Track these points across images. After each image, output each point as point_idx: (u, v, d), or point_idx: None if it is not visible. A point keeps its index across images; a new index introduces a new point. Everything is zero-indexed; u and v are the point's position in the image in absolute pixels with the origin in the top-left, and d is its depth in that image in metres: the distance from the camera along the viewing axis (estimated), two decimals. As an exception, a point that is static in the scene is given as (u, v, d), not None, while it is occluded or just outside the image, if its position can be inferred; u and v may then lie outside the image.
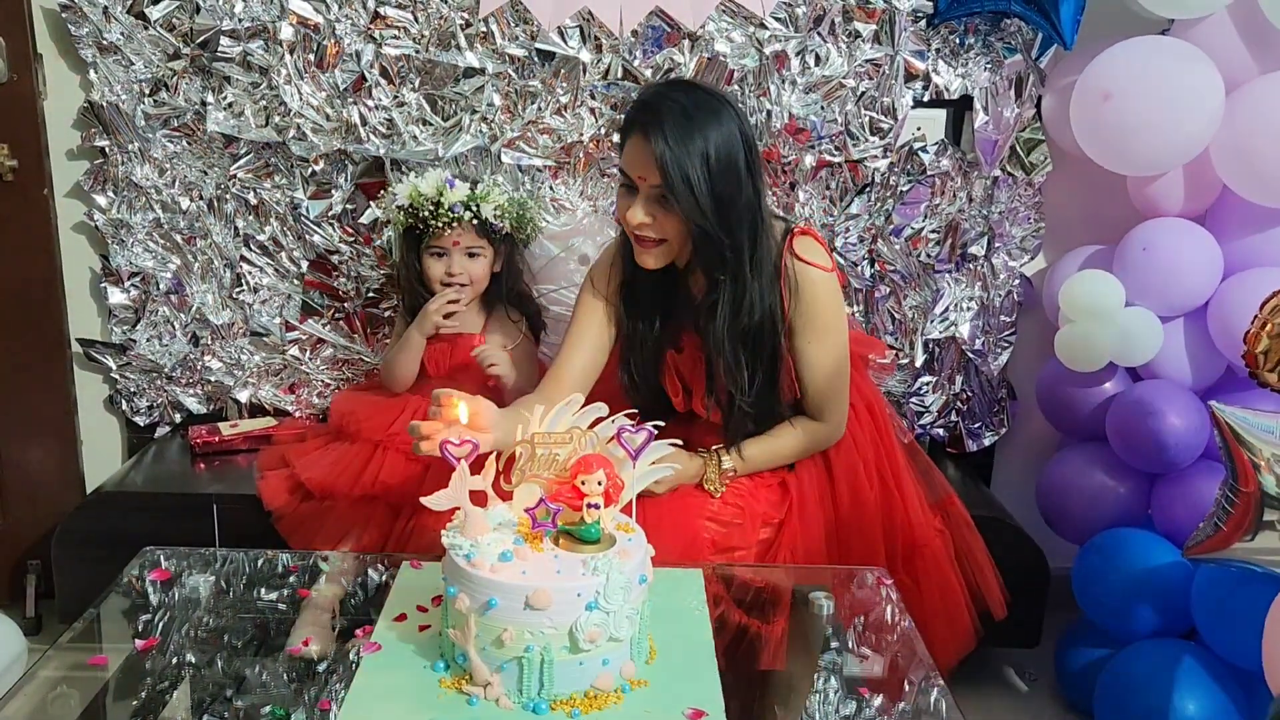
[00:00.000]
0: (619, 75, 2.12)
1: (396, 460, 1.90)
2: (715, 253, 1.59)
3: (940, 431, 2.37)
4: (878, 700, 1.29)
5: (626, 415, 1.31)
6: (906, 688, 1.31)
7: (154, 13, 2.09)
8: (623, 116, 1.71)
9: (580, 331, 1.77)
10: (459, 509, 1.26)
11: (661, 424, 1.33)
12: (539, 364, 2.08)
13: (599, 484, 1.23)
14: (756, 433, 1.76)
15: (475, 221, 1.96)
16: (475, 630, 1.18)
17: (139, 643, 1.32)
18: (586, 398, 1.34)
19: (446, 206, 1.93)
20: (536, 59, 2.11)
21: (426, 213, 1.94)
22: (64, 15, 2.10)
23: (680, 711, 1.18)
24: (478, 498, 1.27)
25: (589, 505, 1.23)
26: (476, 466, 1.27)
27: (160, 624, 1.37)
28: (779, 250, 1.66)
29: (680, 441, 1.38)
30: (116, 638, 1.37)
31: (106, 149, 2.18)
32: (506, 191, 2.09)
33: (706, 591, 1.46)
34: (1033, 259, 2.28)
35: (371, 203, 2.21)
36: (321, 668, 1.28)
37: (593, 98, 2.14)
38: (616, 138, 2.05)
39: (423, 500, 1.26)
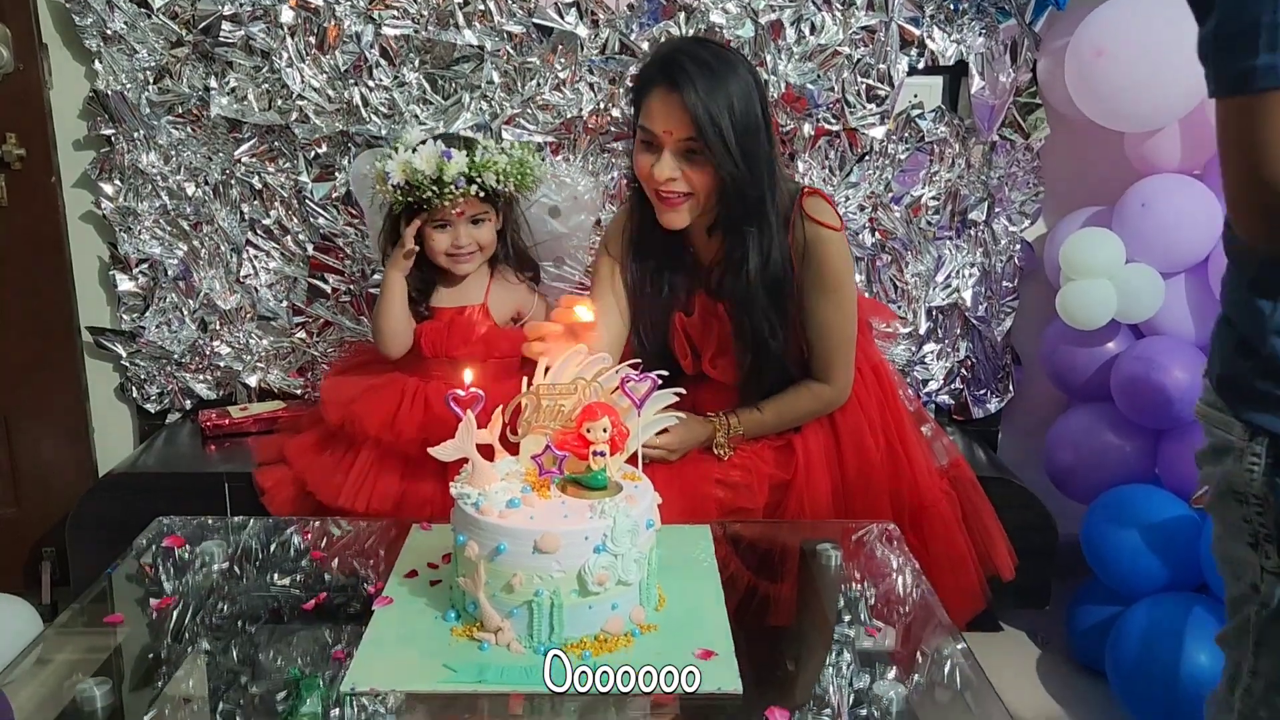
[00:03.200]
0: (616, 49, 2.14)
1: (411, 472, 1.85)
2: (743, 202, 1.62)
3: (945, 399, 2.38)
4: (888, 640, 1.29)
5: (630, 365, 1.33)
6: (920, 647, 1.30)
7: (156, 0, 2.12)
8: (631, 81, 1.73)
9: (602, 296, 1.79)
10: (466, 461, 1.27)
11: (665, 373, 1.34)
12: None
13: (604, 431, 1.24)
14: (768, 394, 1.77)
15: (481, 194, 1.86)
16: (485, 576, 1.19)
17: (154, 601, 1.34)
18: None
19: (449, 182, 1.82)
20: (534, 35, 2.13)
21: (429, 193, 1.82)
22: (68, 5, 2.12)
23: (690, 652, 1.20)
24: (484, 451, 1.29)
25: (595, 453, 1.24)
26: (483, 420, 1.28)
27: (174, 588, 1.38)
28: (789, 209, 1.68)
29: (684, 391, 1.39)
30: (131, 613, 1.37)
31: (112, 137, 2.21)
32: (504, 152, 1.95)
33: (715, 548, 1.47)
34: (1033, 223, 2.29)
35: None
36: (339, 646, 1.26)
37: (591, 73, 2.16)
38: (627, 97, 2.06)
39: (430, 451, 1.27)
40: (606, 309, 1.78)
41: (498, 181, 1.86)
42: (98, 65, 2.17)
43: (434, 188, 1.82)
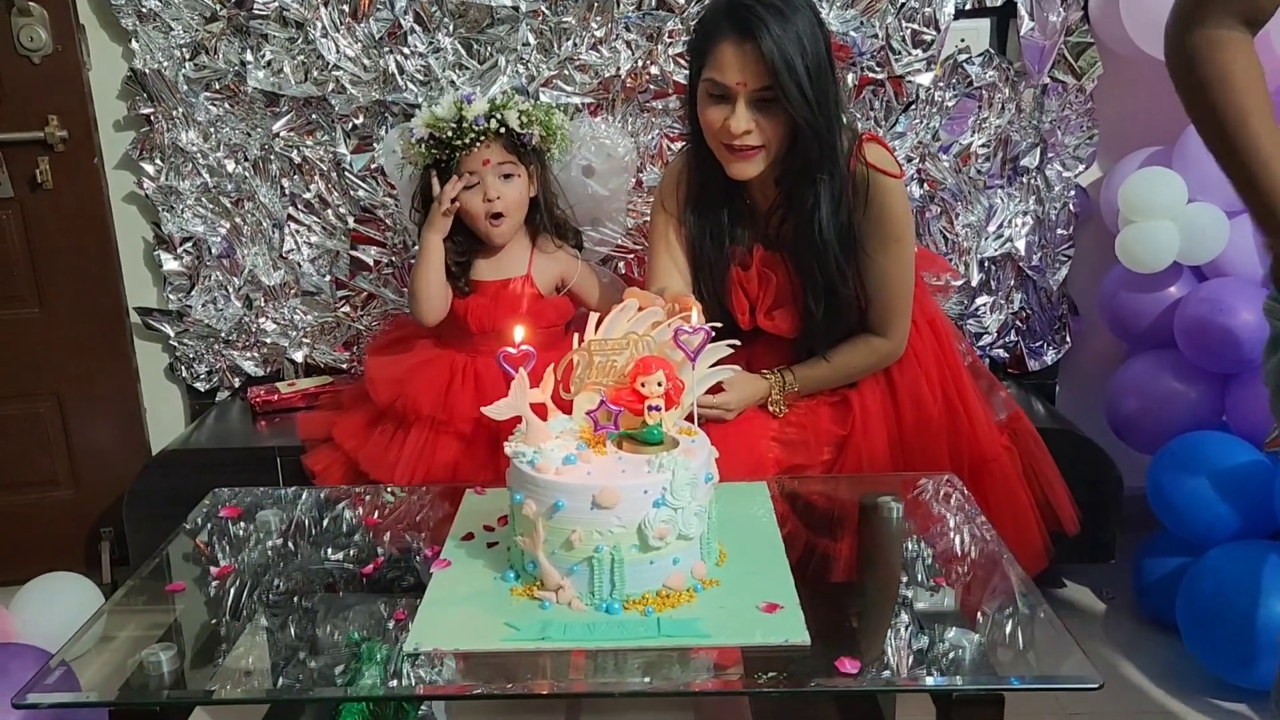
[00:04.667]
0: (653, 4, 2.10)
1: (465, 446, 1.85)
2: (817, 149, 1.58)
3: (1000, 352, 2.32)
4: (956, 592, 1.25)
5: (681, 318, 1.30)
6: (990, 598, 1.26)
7: (189, -24, 2.11)
8: (692, 33, 1.68)
9: (662, 253, 1.76)
10: (519, 421, 1.25)
11: (719, 325, 1.31)
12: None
13: (659, 385, 1.21)
14: (826, 347, 1.74)
15: (502, 132, 1.85)
16: (544, 534, 1.18)
17: (213, 569, 1.34)
18: None
19: (470, 121, 1.83)
20: (569, -6, 2.10)
21: (450, 133, 1.83)
22: (102, -15, 2.12)
23: (754, 605, 1.17)
24: (538, 409, 1.26)
25: (650, 408, 1.22)
26: (535, 378, 1.26)
27: (232, 558, 1.38)
28: (849, 155, 1.64)
29: (738, 343, 1.35)
30: (190, 584, 1.36)
31: (151, 116, 2.21)
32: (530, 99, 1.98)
33: (773, 504, 1.44)
34: (1087, 168, 2.22)
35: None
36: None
37: (628, 30, 2.11)
38: (687, 49, 1.98)
39: (484, 409, 1.26)
40: (666, 268, 1.75)
41: (521, 125, 1.85)
42: (134, 44, 2.16)
43: (454, 126, 1.83)
